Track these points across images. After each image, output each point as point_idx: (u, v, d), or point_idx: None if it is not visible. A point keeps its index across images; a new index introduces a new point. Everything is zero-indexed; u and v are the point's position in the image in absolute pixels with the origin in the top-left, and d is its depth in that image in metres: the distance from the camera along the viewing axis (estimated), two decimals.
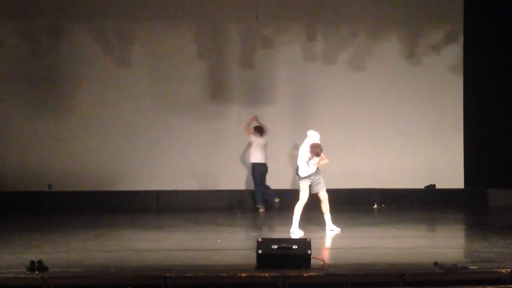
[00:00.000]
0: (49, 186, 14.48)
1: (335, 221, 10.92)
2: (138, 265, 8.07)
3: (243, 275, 7.26)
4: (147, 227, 11.70)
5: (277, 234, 10.95)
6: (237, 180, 14.77)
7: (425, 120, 15.12)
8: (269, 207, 13.90)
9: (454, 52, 15.13)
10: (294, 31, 14.86)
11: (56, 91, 14.67)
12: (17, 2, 14.54)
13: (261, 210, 13.71)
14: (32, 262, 7.37)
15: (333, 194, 14.53)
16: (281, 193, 13.87)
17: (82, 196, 14.34)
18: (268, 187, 13.98)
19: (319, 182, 10.74)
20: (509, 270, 7.34)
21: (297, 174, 10.72)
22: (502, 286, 7.21)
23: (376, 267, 7.72)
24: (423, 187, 15.04)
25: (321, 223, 10.95)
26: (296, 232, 10.44)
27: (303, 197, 10.64)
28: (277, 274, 7.26)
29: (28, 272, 7.29)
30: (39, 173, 14.50)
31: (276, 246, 7.65)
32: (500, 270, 7.40)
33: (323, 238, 10.17)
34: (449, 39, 15.10)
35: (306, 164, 10.53)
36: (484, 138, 14.94)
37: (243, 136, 14.46)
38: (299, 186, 10.74)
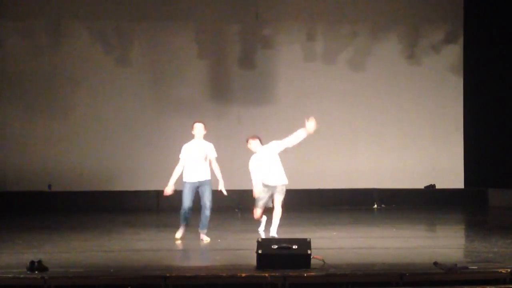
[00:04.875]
0: (49, 186, 14.49)
1: (335, 221, 10.92)
2: (138, 265, 8.06)
3: (243, 275, 7.26)
4: (147, 227, 11.70)
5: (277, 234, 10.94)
6: (237, 180, 14.74)
7: (425, 120, 15.13)
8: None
9: (454, 52, 15.14)
10: (294, 31, 14.88)
11: (56, 91, 14.68)
12: (17, 2, 14.55)
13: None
14: (32, 262, 7.37)
15: (333, 194, 14.71)
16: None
17: (82, 196, 14.35)
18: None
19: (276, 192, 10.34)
20: (509, 270, 7.34)
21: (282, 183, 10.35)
22: (502, 286, 7.21)
23: (376, 267, 7.71)
24: (423, 187, 15.04)
25: (321, 223, 10.96)
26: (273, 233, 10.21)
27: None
28: (277, 274, 7.26)
29: (28, 272, 7.29)
30: (39, 173, 14.51)
31: (276, 246, 7.65)
32: (500, 270, 7.39)
33: (323, 238, 10.16)
34: (449, 39, 15.11)
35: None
36: (484, 138, 14.95)
37: (243, 136, 14.44)
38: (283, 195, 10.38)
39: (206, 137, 10.19)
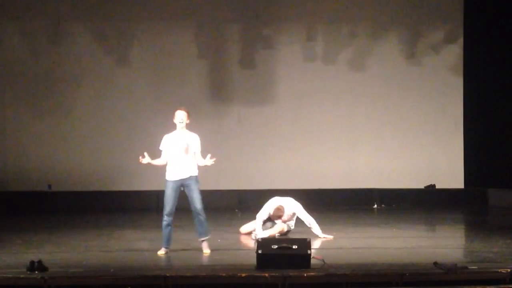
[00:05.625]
0: (49, 186, 14.49)
1: (335, 221, 10.93)
2: (138, 265, 8.07)
3: (243, 275, 7.27)
4: (147, 227, 11.70)
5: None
6: (237, 180, 14.77)
7: (425, 120, 15.13)
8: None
9: (454, 52, 15.13)
10: (294, 31, 14.87)
11: (56, 91, 14.68)
12: (17, 2, 14.54)
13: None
14: (32, 262, 7.37)
15: (333, 194, 14.71)
16: (284, 192, 13.84)
17: (82, 196, 14.35)
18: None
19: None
20: (509, 270, 7.35)
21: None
22: (502, 286, 7.21)
23: (376, 267, 7.72)
24: (423, 187, 15.04)
25: (321, 223, 10.95)
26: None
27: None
28: (277, 274, 7.27)
29: (28, 272, 7.30)
30: (39, 173, 14.50)
31: (276, 246, 7.66)
32: (500, 270, 7.40)
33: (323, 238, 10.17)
34: (449, 39, 15.10)
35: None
36: (484, 137, 14.94)
37: (243, 136, 14.48)
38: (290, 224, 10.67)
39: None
